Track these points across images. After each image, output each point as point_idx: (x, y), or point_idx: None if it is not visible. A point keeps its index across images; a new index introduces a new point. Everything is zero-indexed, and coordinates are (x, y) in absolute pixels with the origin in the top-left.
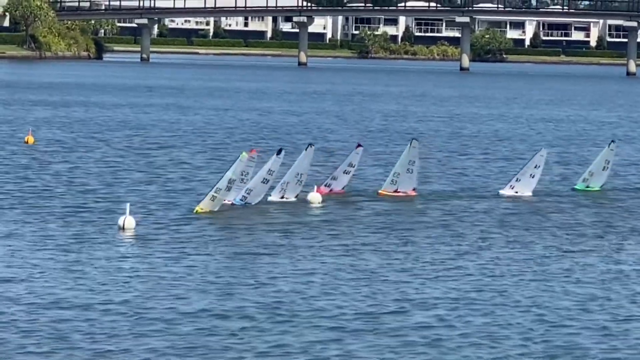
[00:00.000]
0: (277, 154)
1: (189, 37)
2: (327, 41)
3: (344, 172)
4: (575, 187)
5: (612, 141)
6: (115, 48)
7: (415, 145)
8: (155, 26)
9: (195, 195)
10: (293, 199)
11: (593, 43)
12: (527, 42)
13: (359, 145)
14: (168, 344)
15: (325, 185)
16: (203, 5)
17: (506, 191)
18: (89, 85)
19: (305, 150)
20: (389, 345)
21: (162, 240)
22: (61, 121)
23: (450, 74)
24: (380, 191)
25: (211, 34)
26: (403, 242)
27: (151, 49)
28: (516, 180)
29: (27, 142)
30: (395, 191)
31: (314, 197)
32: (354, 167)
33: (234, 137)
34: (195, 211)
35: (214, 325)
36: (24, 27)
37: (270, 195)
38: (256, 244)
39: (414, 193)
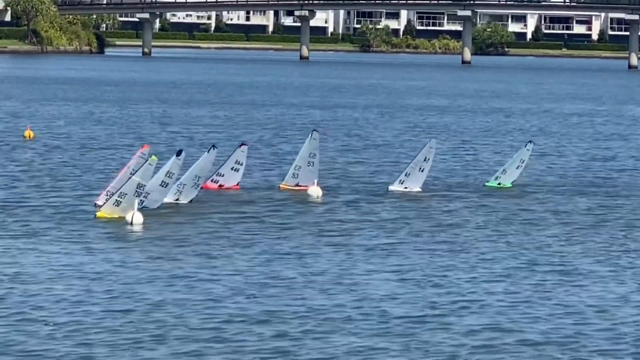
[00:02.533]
0: (177, 155)
1: (190, 31)
2: (329, 35)
3: (232, 169)
4: (487, 183)
5: (530, 142)
6: (117, 42)
7: (316, 137)
8: (157, 20)
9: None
10: (186, 203)
11: (595, 36)
12: (529, 36)
13: (243, 144)
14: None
15: (212, 181)
16: (205, 0)
17: (396, 187)
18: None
19: (207, 152)
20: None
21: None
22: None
23: (453, 67)
24: (281, 185)
25: (213, 28)
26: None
27: (153, 43)
28: (405, 175)
29: (26, 137)
30: (297, 185)
31: (314, 190)
32: (242, 164)
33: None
34: (96, 216)
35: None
36: (26, 22)
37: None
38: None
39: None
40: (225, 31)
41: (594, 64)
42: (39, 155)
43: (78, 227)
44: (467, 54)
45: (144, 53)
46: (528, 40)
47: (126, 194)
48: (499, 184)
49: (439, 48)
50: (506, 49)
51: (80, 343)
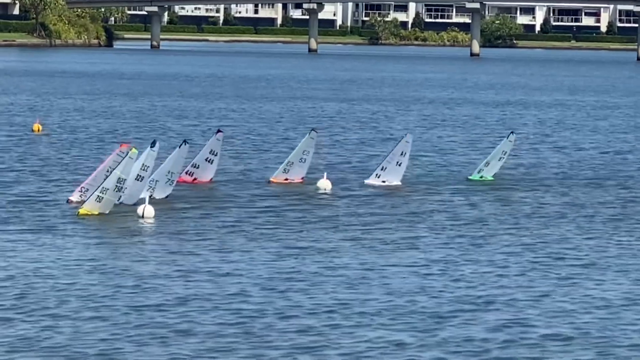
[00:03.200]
0: (151, 147)
1: (199, 24)
2: (337, 28)
3: (206, 160)
4: (470, 177)
5: (512, 132)
6: (126, 36)
7: (314, 136)
8: (166, 14)
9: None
10: (163, 198)
11: (603, 28)
12: (538, 28)
13: (219, 131)
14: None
15: (187, 174)
16: None
17: (372, 181)
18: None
19: (179, 147)
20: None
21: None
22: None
23: (462, 59)
24: (271, 179)
25: (221, 21)
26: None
27: (161, 37)
28: (382, 169)
29: (35, 130)
30: (285, 179)
31: (324, 183)
32: (216, 155)
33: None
34: (77, 214)
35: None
36: (34, 15)
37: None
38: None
39: (301, 180)
40: (233, 24)
41: (602, 56)
42: (54, 148)
43: (92, 222)
44: (476, 47)
45: (152, 46)
46: (537, 32)
47: (107, 189)
48: (482, 177)
49: (448, 40)
50: (515, 42)
51: (105, 339)
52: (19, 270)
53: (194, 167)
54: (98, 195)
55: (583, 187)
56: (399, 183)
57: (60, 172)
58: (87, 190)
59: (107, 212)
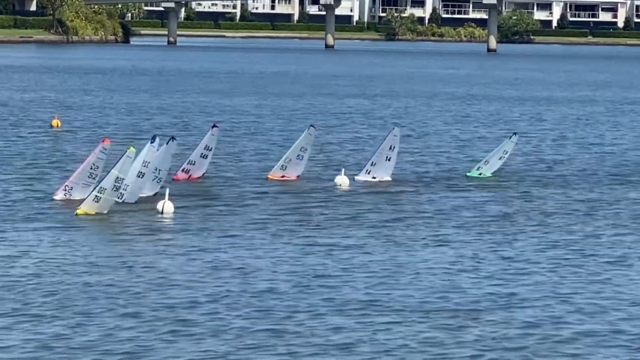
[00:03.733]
0: (151, 142)
1: (216, 20)
2: (354, 23)
3: (201, 156)
4: (468, 174)
5: (515, 133)
6: (142, 32)
7: (312, 132)
8: (182, 10)
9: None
10: (150, 195)
11: (620, 24)
12: (555, 23)
13: (214, 126)
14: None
15: (184, 171)
16: None
17: (362, 177)
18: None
19: (167, 144)
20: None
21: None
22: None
23: (480, 55)
24: (269, 175)
25: (238, 17)
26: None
27: (178, 33)
28: (372, 165)
29: (54, 126)
30: (282, 176)
31: (342, 180)
32: (211, 150)
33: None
34: (76, 214)
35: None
36: (51, 12)
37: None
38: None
39: (297, 178)
40: (250, 20)
41: (619, 52)
42: (72, 145)
43: (114, 219)
44: (493, 42)
45: (169, 42)
46: (553, 28)
47: (105, 188)
48: (480, 174)
49: (464, 36)
50: (531, 37)
51: (131, 337)
52: (41, 268)
53: (190, 164)
54: (96, 196)
55: (608, 183)
56: (389, 178)
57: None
58: (72, 188)
59: (105, 212)
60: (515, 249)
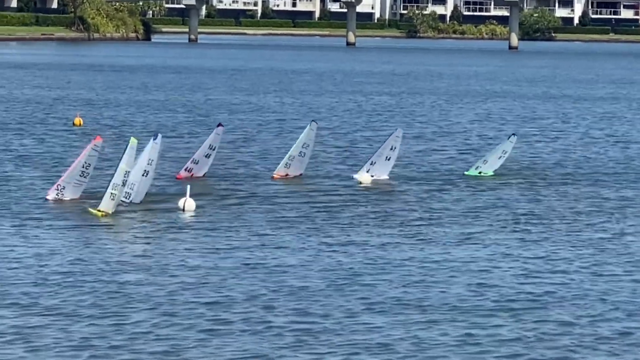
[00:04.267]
0: (154, 139)
1: (237, 17)
2: (376, 21)
3: (205, 156)
4: (466, 173)
5: (513, 134)
6: (163, 29)
7: (314, 128)
8: (203, 7)
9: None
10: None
11: None
12: (576, 21)
13: (220, 125)
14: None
15: (186, 170)
16: None
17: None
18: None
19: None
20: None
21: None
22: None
23: (502, 52)
24: (274, 174)
25: (259, 14)
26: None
27: (199, 30)
28: (371, 164)
29: (76, 124)
30: (286, 175)
31: (363, 177)
32: (214, 149)
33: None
34: (99, 215)
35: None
36: (72, 9)
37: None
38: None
39: (299, 175)
40: (271, 17)
41: None
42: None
43: (134, 217)
44: (514, 40)
45: (190, 40)
46: (575, 25)
47: (118, 184)
48: (480, 172)
49: (486, 34)
50: (553, 34)
51: (167, 337)
52: (71, 267)
53: (194, 162)
54: (111, 193)
55: (636, 181)
56: (387, 177)
57: (101, 166)
58: (64, 188)
59: (114, 209)
60: (547, 246)
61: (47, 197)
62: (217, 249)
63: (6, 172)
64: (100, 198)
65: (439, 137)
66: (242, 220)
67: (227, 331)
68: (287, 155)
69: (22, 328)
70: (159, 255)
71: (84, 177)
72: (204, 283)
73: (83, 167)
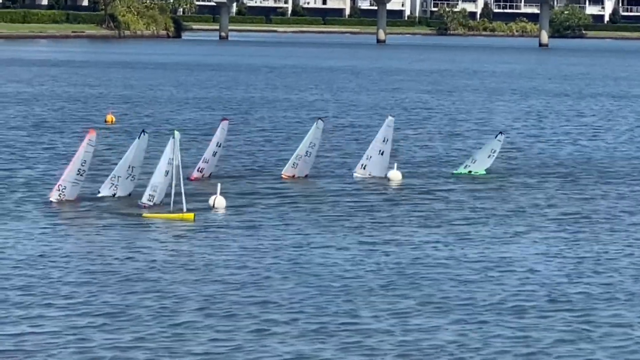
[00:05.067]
0: (173, 137)
1: (267, 15)
2: (406, 18)
3: (213, 154)
4: (455, 172)
5: (500, 133)
6: (194, 27)
7: (320, 126)
8: (234, 4)
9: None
10: (126, 196)
11: None
12: (607, 18)
13: (224, 119)
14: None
15: (199, 170)
16: None
17: (359, 172)
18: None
19: (139, 138)
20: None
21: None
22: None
23: (533, 50)
24: (282, 174)
25: (289, 12)
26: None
27: (229, 27)
28: (367, 159)
29: (108, 122)
30: (293, 175)
31: (395, 175)
32: (220, 146)
33: None
34: (183, 217)
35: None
36: (103, 7)
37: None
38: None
39: (305, 176)
40: (301, 15)
41: None
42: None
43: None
44: (545, 37)
45: (220, 37)
46: (605, 22)
47: (159, 183)
48: (470, 172)
49: (516, 31)
50: (583, 32)
51: (212, 338)
52: (110, 267)
53: (205, 162)
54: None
55: None
56: (383, 175)
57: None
58: (65, 187)
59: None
60: (598, 244)
61: (50, 198)
62: (258, 248)
63: (39, 170)
64: (140, 196)
65: (482, 134)
66: (280, 220)
67: (275, 332)
68: (295, 155)
69: (71, 328)
70: (199, 255)
71: (80, 175)
72: (248, 283)
73: (81, 164)
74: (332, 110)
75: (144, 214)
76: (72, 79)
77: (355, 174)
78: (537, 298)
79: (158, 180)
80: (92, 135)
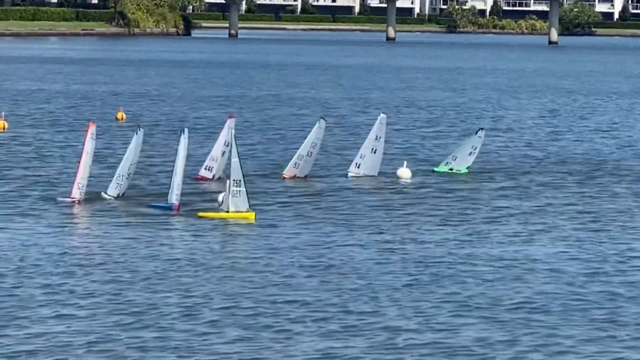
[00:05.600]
0: (183, 134)
1: (276, 12)
2: (415, 16)
3: (221, 154)
4: (436, 169)
5: (481, 129)
6: (203, 24)
7: (322, 125)
8: (243, 2)
9: None
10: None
11: None
12: (616, 16)
13: (232, 117)
14: None
15: (206, 169)
16: None
17: (353, 171)
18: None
19: (136, 134)
20: None
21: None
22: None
23: (543, 48)
24: (284, 174)
25: (299, 9)
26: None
27: (239, 25)
28: (361, 157)
29: (119, 119)
30: (294, 175)
31: (404, 172)
32: (228, 146)
33: None
34: (251, 217)
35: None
36: (113, 4)
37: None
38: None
39: (305, 177)
40: (311, 13)
41: None
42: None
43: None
44: (554, 35)
45: (230, 35)
46: (615, 20)
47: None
48: (451, 169)
49: (526, 28)
50: (593, 29)
51: (241, 338)
52: (138, 266)
53: (213, 160)
54: (235, 189)
55: None
56: (375, 174)
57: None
58: (83, 185)
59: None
60: (619, 242)
61: (73, 198)
62: (285, 248)
63: (57, 168)
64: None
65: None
66: (306, 219)
67: (300, 331)
68: (297, 155)
69: (97, 327)
70: (226, 255)
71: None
72: (275, 283)
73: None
74: (346, 108)
75: (200, 214)
76: (84, 77)
77: (349, 173)
78: (560, 297)
79: (177, 180)
80: (92, 128)
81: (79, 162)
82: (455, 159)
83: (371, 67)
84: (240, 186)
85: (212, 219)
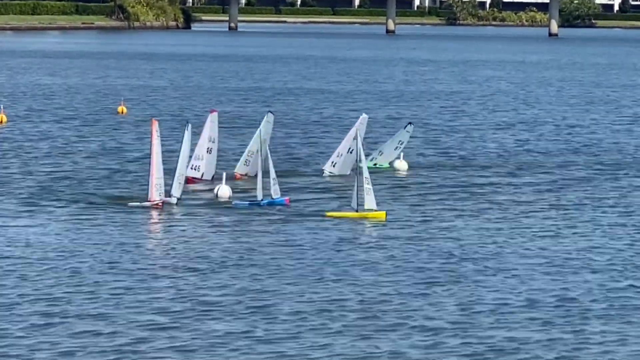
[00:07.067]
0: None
1: (276, 5)
2: (415, 8)
3: (207, 151)
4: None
5: (409, 123)
6: (203, 17)
7: (270, 120)
8: None
9: None
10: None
11: None
12: (616, 7)
13: (213, 111)
14: None
15: (193, 169)
16: None
17: (328, 169)
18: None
19: (186, 129)
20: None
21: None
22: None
23: (545, 39)
24: (235, 173)
25: (299, 2)
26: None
27: (239, 18)
28: (338, 156)
29: (119, 113)
30: (246, 174)
31: (400, 164)
32: (214, 142)
33: None
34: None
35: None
36: None
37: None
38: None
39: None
40: (311, 5)
41: None
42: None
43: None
44: (554, 26)
45: (230, 28)
46: (615, 12)
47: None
48: (375, 164)
49: (526, 20)
50: (593, 21)
51: (269, 340)
52: (144, 261)
53: (198, 159)
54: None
55: None
56: (347, 173)
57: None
58: (161, 186)
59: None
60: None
61: (174, 195)
62: (309, 247)
63: (80, 164)
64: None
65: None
66: (308, 218)
67: (342, 330)
68: (246, 152)
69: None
70: (247, 253)
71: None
72: (317, 280)
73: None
74: (375, 103)
75: (328, 213)
76: (88, 71)
77: (325, 171)
78: (599, 296)
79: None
80: (156, 125)
81: (151, 164)
82: (381, 153)
83: (389, 59)
84: (369, 184)
85: (341, 218)
